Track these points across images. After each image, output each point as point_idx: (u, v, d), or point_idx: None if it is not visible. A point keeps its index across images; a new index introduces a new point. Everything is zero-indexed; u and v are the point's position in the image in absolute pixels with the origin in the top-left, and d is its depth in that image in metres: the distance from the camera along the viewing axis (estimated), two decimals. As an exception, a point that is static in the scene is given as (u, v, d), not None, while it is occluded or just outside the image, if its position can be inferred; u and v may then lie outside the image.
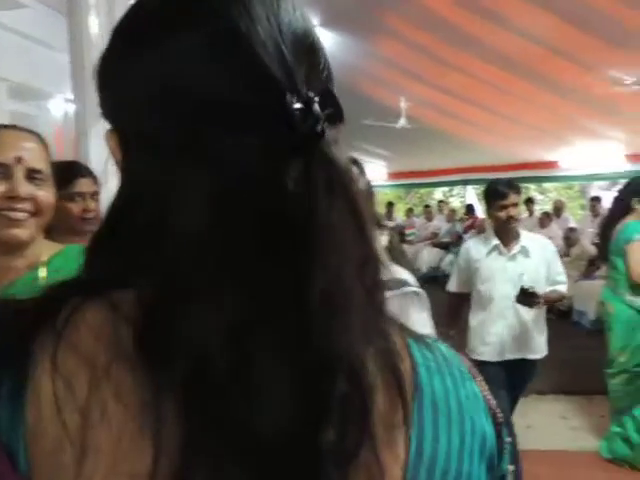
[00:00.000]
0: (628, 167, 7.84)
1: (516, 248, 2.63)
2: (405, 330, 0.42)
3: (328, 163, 0.35)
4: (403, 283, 0.93)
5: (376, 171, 11.97)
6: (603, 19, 4.73)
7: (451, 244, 8.79)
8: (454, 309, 2.92)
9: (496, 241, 2.63)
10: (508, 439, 0.44)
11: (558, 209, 8.11)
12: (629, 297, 2.97)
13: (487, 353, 2.69)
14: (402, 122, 7.00)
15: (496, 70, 6.30)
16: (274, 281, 0.32)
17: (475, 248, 2.71)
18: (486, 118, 7.96)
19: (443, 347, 0.44)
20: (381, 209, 11.95)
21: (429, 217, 10.08)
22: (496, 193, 2.56)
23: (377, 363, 0.36)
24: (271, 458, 0.31)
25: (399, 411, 0.37)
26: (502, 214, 2.55)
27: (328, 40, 5.96)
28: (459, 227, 9.00)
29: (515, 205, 2.58)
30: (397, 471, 0.36)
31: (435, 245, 8.97)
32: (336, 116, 0.39)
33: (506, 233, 2.61)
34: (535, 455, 3.15)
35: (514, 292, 2.53)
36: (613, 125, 7.18)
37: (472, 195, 11.40)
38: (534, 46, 5.52)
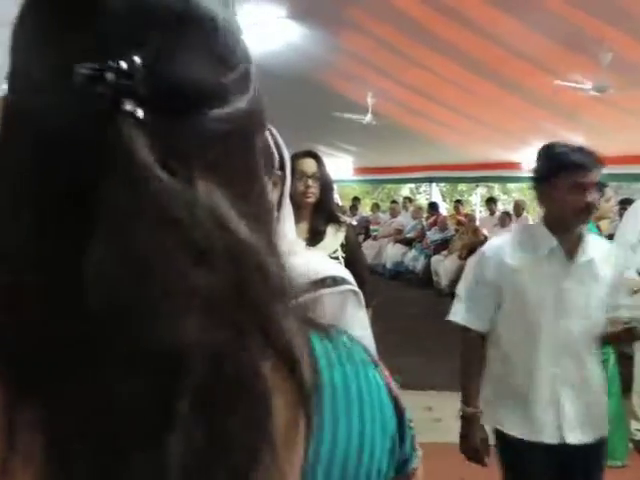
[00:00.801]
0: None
1: (584, 255, 1.67)
2: (307, 323, 0.41)
3: (119, 150, 0.30)
4: (341, 281, 0.92)
5: (343, 166, 12.00)
6: (563, 25, 4.84)
7: (415, 240, 8.90)
8: (474, 356, 1.91)
9: (553, 242, 1.66)
10: (411, 424, 0.46)
11: (518, 209, 8.29)
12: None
13: (526, 428, 1.73)
14: (369, 118, 7.01)
15: (461, 70, 6.37)
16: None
17: (512, 250, 1.72)
18: (451, 117, 8.05)
19: (345, 337, 0.44)
20: (347, 204, 12.02)
21: (394, 213, 10.17)
22: (569, 164, 1.62)
23: (270, 361, 0.35)
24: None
25: (299, 409, 0.36)
26: (578, 198, 1.60)
27: (295, 32, 5.93)
28: (425, 224, 9.12)
29: (594, 187, 1.66)
30: (295, 469, 0.36)
31: (399, 241, 9.06)
32: (166, 105, 0.32)
33: (571, 230, 1.67)
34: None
35: (582, 326, 1.67)
36: (573, 129, 7.36)
37: (437, 193, 11.54)
38: (497, 48, 5.61)
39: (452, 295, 8.06)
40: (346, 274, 0.95)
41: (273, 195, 0.94)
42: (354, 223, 2.65)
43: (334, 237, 2.19)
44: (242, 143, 0.37)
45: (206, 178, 0.33)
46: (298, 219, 2.22)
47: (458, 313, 1.89)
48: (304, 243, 2.16)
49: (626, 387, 3.21)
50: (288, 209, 0.97)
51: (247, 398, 0.33)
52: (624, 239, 3.30)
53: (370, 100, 7.04)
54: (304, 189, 2.14)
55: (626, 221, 3.41)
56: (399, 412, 0.44)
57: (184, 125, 0.33)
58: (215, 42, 0.35)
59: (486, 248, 1.86)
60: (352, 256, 2.19)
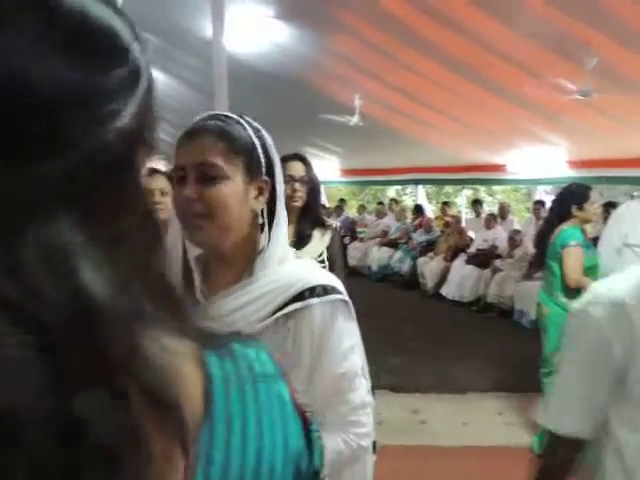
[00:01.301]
0: (570, 173, 8.15)
1: None
2: (205, 341, 0.39)
3: None
4: (331, 290, 0.91)
5: (330, 167, 12.00)
6: (548, 28, 4.87)
7: (399, 240, 8.91)
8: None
9: None
10: (318, 435, 0.45)
11: (503, 211, 8.35)
12: (563, 300, 3.08)
13: None
14: (356, 119, 7.02)
15: (448, 72, 6.39)
16: None
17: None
18: (438, 119, 8.08)
19: (252, 351, 0.43)
20: (334, 205, 12.02)
21: (380, 215, 10.19)
22: None
23: (142, 408, 0.31)
24: None
25: (176, 444, 0.33)
26: None
27: (283, 33, 5.91)
28: (409, 225, 9.15)
29: None
30: None
31: (385, 243, 9.08)
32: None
33: None
34: (469, 451, 3.25)
35: None
36: (557, 132, 7.44)
37: (423, 194, 11.60)
38: (483, 51, 5.64)
39: (437, 296, 8.17)
40: (337, 283, 0.94)
41: (259, 201, 0.93)
42: (338, 224, 2.59)
43: (320, 241, 2.17)
44: (109, 174, 0.32)
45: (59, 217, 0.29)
46: (284, 222, 2.23)
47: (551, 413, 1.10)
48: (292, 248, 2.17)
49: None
50: (282, 214, 0.95)
51: (114, 463, 0.29)
52: (609, 242, 3.34)
53: (358, 102, 7.05)
54: (291, 193, 2.12)
55: (610, 224, 3.44)
56: (305, 426, 0.44)
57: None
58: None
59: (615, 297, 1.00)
60: (332, 259, 2.18)
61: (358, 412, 0.90)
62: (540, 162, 8.52)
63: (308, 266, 0.98)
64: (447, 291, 7.20)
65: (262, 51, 6.40)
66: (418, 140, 9.06)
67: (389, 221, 9.76)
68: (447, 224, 8.38)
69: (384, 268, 8.76)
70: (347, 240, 10.07)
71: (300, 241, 2.14)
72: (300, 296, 0.89)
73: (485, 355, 4.85)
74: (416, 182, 11.66)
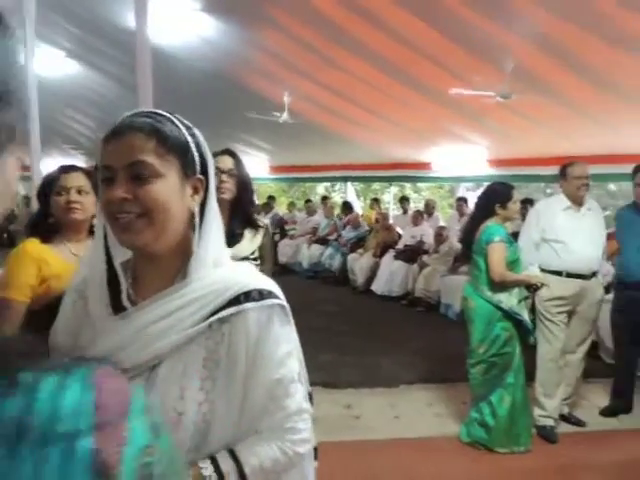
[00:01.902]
0: (490, 171, 8.53)
1: None
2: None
3: None
4: (267, 294, 0.88)
5: (259, 164, 11.90)
6: (470, 31, 5.05)
7: (329, 237, 8.98)
8: None
9: None
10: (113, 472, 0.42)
11: (429, 208, 8.61)
12: (488, 293, 3.20)
13: None
14: (285, 116, 6.99)
15: (376, 72, 6.50)
16: None
17: None
18: (366, 117, 8.19)
19: (70, 396, 0.41)
20: (262, 202, 11.93)
21: (310, 212, 10.22)
22: None
23: None
24: None
25: None
26: None
27: (210, 26, 5.78)
28: (338, 222, 9.23)
29: None
30: None
31: (315, 241, 9.12)
32: None
33: None
34: (402, 443, 3.32)
35: None
36: (478, 132, 7.75)
37: (352, 192, 11.74)
38: (409, 51, 5.77)
39: (368, 292, 8.28)
40: (274, 287, 0.91)
41: (195, 200, 0.89)
42: (267, 222, 2.52)
43: (251, 241, 2.14)
44: None
45: None
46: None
47: None
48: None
49: (530, 377, 3.41)
50: (214, 214, 0.92)
51: None
52: (528, 237, 3.51)
53: (287, 99, 7.02)
54: (218, 184, 2.08)
55: (529, 220, 3.62)
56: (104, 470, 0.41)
57: None
58: None
59: None
60: (263, 259, 2.15)
61: (294, 418, 0.88)
62: (462, 160, 8.85)
63: (245, 269, 0.95)
64: (377, 287, 7.34)
65: (188, 44, 6.22)
66: (347, 137, 9.15)
67: (319, 218, 9.81)
68: (376, 220, 8.53)
69: (315, 265, 8.80)
70: (277, 237, 10.04)
71: (230, 239, 2.10)
72: (235, 300, 0.86)
73: (414, 348, 4.99)
74: (345, 179, 11.81)
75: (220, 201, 2.10)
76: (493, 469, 3.08)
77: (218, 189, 2.09)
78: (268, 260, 2.19)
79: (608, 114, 5.84)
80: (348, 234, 8.61)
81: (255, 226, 2.15)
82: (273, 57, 6.65)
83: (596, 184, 11.53)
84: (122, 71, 7.13)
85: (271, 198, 11.73)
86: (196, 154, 0.88)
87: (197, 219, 0.88)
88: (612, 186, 14.72)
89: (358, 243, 8.30)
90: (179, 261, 0.89)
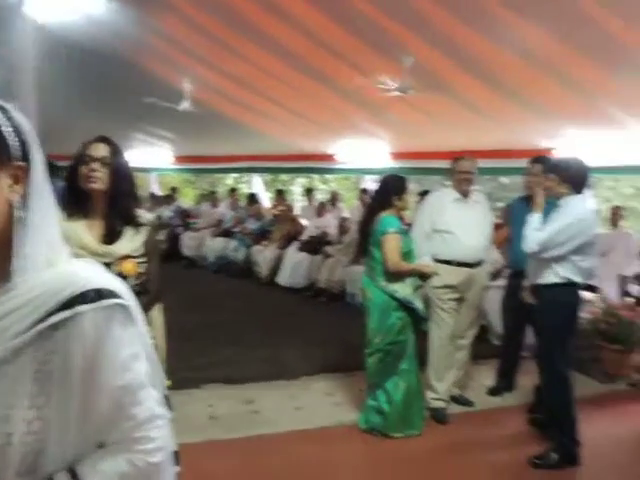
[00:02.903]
0: (392, 164, 8.78)
1: None
2: None
3: None
4: (107, 294, 0.80)
5: (162, 154, 11.47)
6: (370, 26, 5.13)
7: (234, 229, 8.83)
8: None
9: None
10: None
11: (334, 199, 8.72)
12: (383, 283, 3.28)
13: None
14: (185, 104, 6.75)
15: (281, 64, 6.46)
16: None
17: None
18: (272, 108, 8.13)
19: None
20: (166, 194, 11.52)
21: (215, 204, 10.00)
22: None
23: None
24: None
25: None
26: None
27: (100, 6, 5.44)
28: (243, 214, 9.10)
29: None
30: None
31: (220, 233, 8.94)
32: None
33: None
34: (302, 435, 3.33)
35: None
36: (380, 125, 7.93)
37: (259, 183, 11.64)
38: (311, 43, 5.78)
39: (272, 284, 8.24)
40: (116, 286, 0.83)
41: (15, 190, 0.78)
42: (151, 217, 2.32)
43: (132, 239, 2.01)
44: None
45: None
46: (92, 214, 2.02)
47: None
48: (95, 242, 1.98)
49: (422, 362, 3.54)
50: (44, 206, 0.81)
51: None
52: (421, 228, 3.63)
53: (187, 86, 6.78)
54: (87, 172, 1.95)
55: (421, 212, 3.76)
56: None
57: None
58: None
59: None
60: (149, 257, 2.05)
61: (145, 427, 0.82)
62: (366, 153, 9.04)
63: (82, 268, 0.84)
64: (281, 278, 7.33)
65: (77, 24, 5.81)
66: (253, 129, 9.06)
67: (224, 210, 9.62)
68: (279, 212, 8.51)
69: (221, 258, 8.63)
70: (180, 230, 9.74)
71: (109, 236, 1.97)
72: (70, 303, 0.76)
73: (317, 339, 5.03)
74: (252, 170, 11.67)
75: (93, 192, 1.99)
76: (389, 454, 3.17)
77: (87, 178, 1.96)
78: (154, 259, 2.07)
79: (499, 112, 6.17)
80: (252, 226, 8.52)
81: (135, 223, 2.02)
82: (172, 43, 6.40)
83: (489, 177, 12.26)
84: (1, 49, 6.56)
85: (174, 190, 11.35)
86: (13, 138, 0.78)
87: (20, 212, 0.78)
88: (504, 179, 15.66)
89: (263, 235, 8.23)
90: (1, 262, 0.78)
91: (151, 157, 12.04)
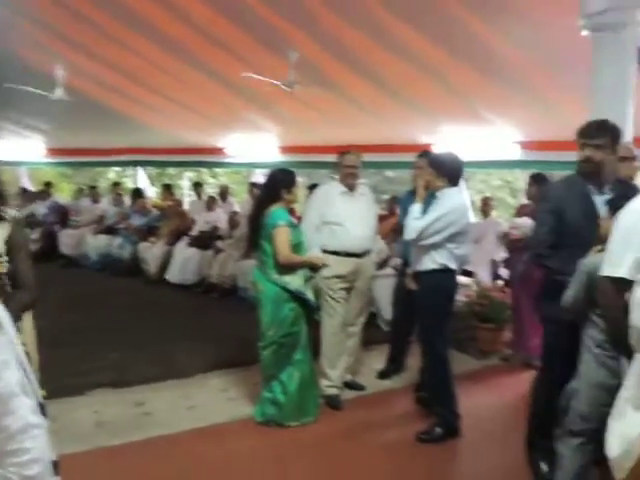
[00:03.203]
0: (282, 158, 8.85)
1: None
2: None
3: None
4: None
5: (34, 146, 10.62)
6: (257, 21, 5.12)
7: (117, 225, 8.40)
8: None
9: None
10: None
11: (223, 193, 8.58)
12: (275, 276, 3.31)
13: None
14: (60, 93, 6.29)
15: (166, 55, 6.28)
16: None
17: None
18: (158, 101, 7.89)
19: None
20: (39, 189, 10.66)
21: (96, 199, 9.44)
22: None
23: None
24: None
25: None
26: None
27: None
28: (127, 209, 8.69)
29: None
30: None
31: (102, 230, 8.46)
32: None
33: None
34: (195, 434, 3.28)
35: None
36: (269, 120, 7.95)
37: (143, 177, 11.19)
38: (200, 36, 5.67)
39: (162, 282, 7.97)
40: None
41: None
42: (15, 213, 2.09)
43: None
44: None
45: None
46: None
47: None
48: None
49: (316, 351, 3.63)
50: None
51: None
52: (310, 221, 3.71)
53: (60, 73, 6.32)
54: None
55: (310, 205, 3.83)
56: None
57: None
58: None
59: None
60: (15, 257, 1.87)
61: (19, 438, 0.77)
62: (255, 147, 9.02)
63: None
64: (171, 275, 7.11)
65: None
66: (138, 121, 8.75)
67: (106, 206, 9.12)
68: (169, 207, 8.24)
69: (104, 256, 8.17)
70: (57, 227, 9.08)
71: None
72: None
73: (210, 335, 4.95)
74: (137, 164, 11.19)
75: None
76: (285, 443, 3.22)
77: None
78: (22, 257, 1.90)
79: (383, 109, 6.45)
80: (137, 221, 8.15)
81: None
82: (42, 26, 5.94)
83: (374, 171, 12.75)
84: None
85: (48, 184, 10.53)
86: None
87: None
88: (389, 172, 16.34)
89: (149, 231, 7.91)
90: None
91: (21, 149, 11.10)
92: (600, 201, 2.44)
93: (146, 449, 3.10)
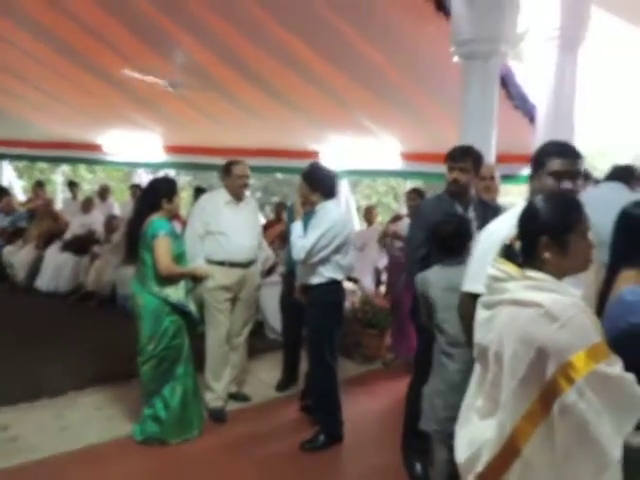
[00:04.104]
0: (167, 158, 8.60)
1: None
2: None
3: None
4: None
5: None
6: (142, 20, 4.97)
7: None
8: None
9: None
10: None
11: (103, 193, 8.09)
12: (155, 288, 3.17)
13: None
14: None
15: (41, 46, 5.98)
16: None
17: None
18: (28, 92, 7.45)
19: None
20: None
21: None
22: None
23: None
24: None
25: None
26: None
27: None
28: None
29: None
30: None
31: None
32: None
33: None
34: (67, 457, 3.06)
35: None
36: (153, 119, 7.70)
37: (10, 172, 10.29)
38: (80, 30, 5.45)
39: (30, 290, 7.36)
40: None
41: None
42: None
43: None
44: None
45: None
46: None
47: None
48: None
49: (200, 364, 3.54)
50: None
51: None
52: (193, 231, 3.60)
53: None
54: None
55: (193, 214, 3.72)
56: None
57: None
58: None
59: None
60: None
61: None
62: (138, 145, 8.66)
63: None
64: (41, 282, 6.56)
65: None
66: (3, 111, 8.15)
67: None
68: (39, 207, 7.59)
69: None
70: None
71: None
72: None
73: (85, 348, 4.64)
74: (1, 157, 10.30)
75: None
76: (167, 461, 3.10)
77: None
78: None
79: (271, 115, 6.48)
80: (1, 221, 7.42)
81: None
82: None
83: (264, 175, 12.79)
84: None
85: None
86: None
87: None
88: (279, 175, 16.47)
89: (16, 233, 7.24)
90: None
91: None
92: None
93: (15, 477, 2.84)
